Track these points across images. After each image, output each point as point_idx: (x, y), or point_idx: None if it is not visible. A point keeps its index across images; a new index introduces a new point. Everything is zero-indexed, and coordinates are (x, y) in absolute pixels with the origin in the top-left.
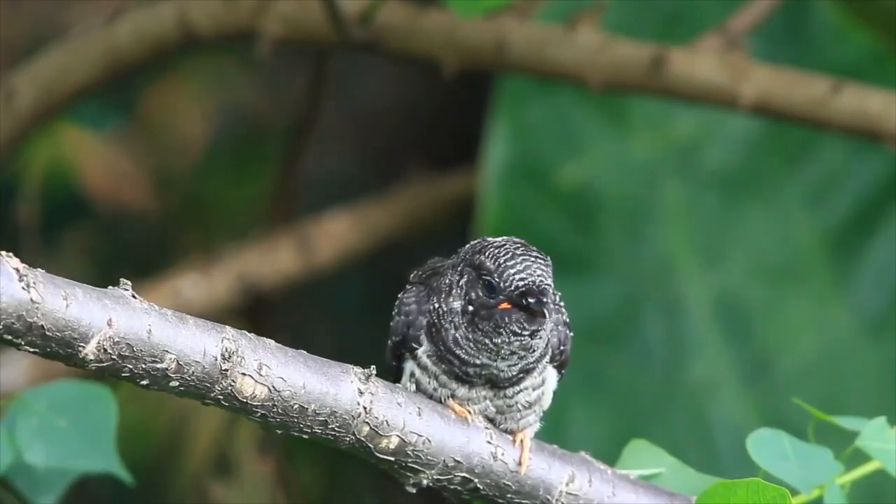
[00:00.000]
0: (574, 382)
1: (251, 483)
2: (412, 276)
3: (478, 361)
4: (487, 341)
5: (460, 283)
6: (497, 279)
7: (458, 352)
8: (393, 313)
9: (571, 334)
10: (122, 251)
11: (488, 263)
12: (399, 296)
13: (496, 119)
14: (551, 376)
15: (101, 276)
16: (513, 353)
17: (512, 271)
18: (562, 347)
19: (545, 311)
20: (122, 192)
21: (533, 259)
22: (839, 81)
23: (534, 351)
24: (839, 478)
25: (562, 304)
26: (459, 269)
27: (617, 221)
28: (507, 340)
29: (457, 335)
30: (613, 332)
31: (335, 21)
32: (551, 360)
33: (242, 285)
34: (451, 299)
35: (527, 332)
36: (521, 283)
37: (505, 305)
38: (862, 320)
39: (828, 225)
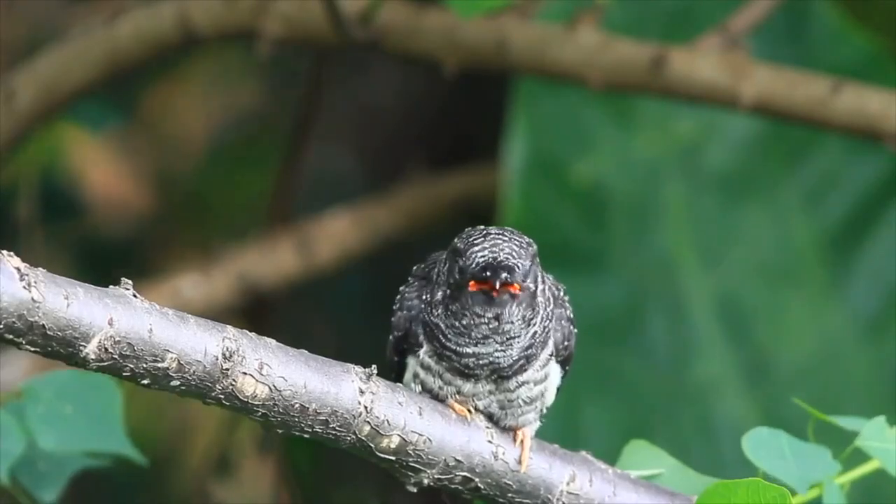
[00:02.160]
0: (586, 379)
1: (251, 483)
2: (415, 269)
3: (469, 350)
4: (457, 323)
5: (443, 271)
6: (463, 259)
7: (447, 343)
8: (394, 308)
9: (576, 331)
10: (121, 251)
11: (460, 245)
12: (401, 289)
13: (515, 118)
14: (555, 372)
15: (101, 276)
16: (486, 336)
17: (477, 248)
18: (566, 343)
19: (497, 284)
20: (122, 192)
21: (505, 239)
22: (839, 81)
23: (513, 337)
24: (838, 477)
25: (566, 298)
26: (444, 259)
27: (624, 220)
28: (473, 322)
29: (440, 324)
30: (623, 329)
31: (336, 21)
32: (556, 356)
33: (242, 285)
34: (435, 290)
35: (490, 314)
36: (481, 260)
37: (471, 285)
38: (859, 321)
39: (825, 225)
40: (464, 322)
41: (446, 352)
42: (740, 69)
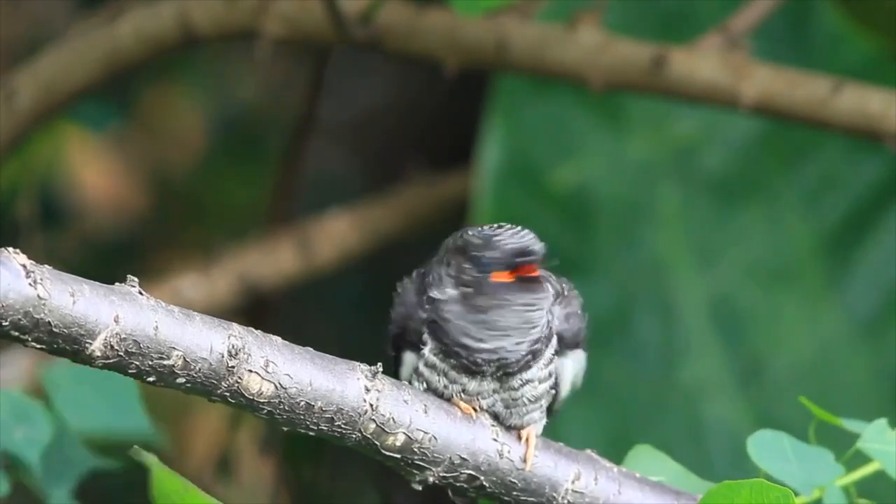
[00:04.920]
0: None
1: (251, 483)
2: (415, 272)
3: (486, 346)
4: (484, 316)
5: (449, 272)
6: (486, 250)
7: (464, 341)
8: (395, 302)
9: (587, 315)
10: (121, 251)
11: (474, 240)
12: (400, 283)
13: (492, 119)
14: (571, 361)
15: (101, 276)
16: (513, 328)
17: (500, 238)
18: (580, 329)
19: (533, 268)
20: (122, 193)
21: (523, 229)
22: (840, 81)
23: (534, 326)
24: (840, 480)
25: (575, 293)
26: (445, 259)
27: (612, 223)
28: (505, 312)
29: (458, 323)
30: (608, 334)
31: (336, 21)
32: (571, 345)
33: (243, 286)
34: (443, 288)
35: (526, 300)
36: (512, 246)
37: (498, 275)
38: (857, 323)
39: (822, 227)
40: (492, 315)
41: (456, 347)
42: (741, 69)
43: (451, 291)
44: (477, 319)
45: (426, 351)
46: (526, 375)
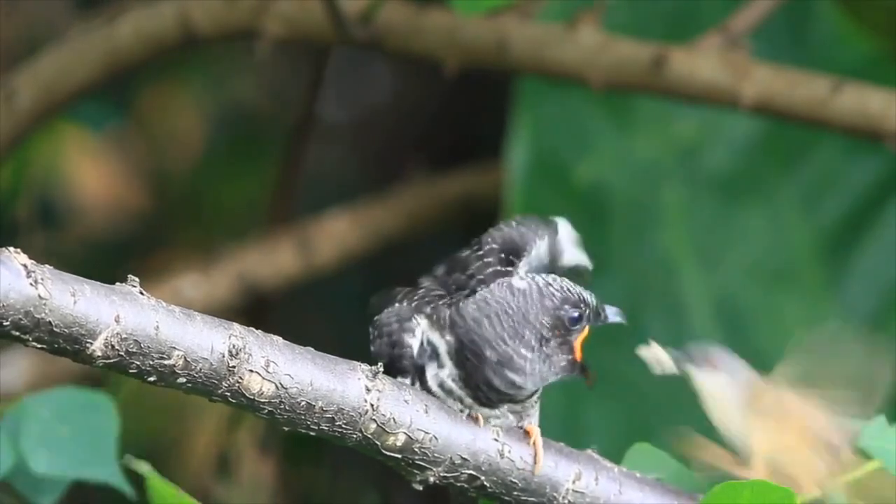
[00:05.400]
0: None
1: (251, 483)
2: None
3: (519, 392)
4: (547, 371)
5: (541, 322)
6: (576, 307)
7: (500, 386)
8: (372, 336)
9: None
10: (121, 251)
11: (570, 297)
12: (376, 318)
13: (518, 118)
14: None
15: (100, 276)
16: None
17: (582, 295)
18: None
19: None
20: (121, 193)
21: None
22: (839, 81)
23: None
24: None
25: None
26: (526, 337)
27: (624, 221)
28: (560, 374)
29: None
30: (623, 330)
31: (336, 21)
32: None
33: (242, 285)
34: (521, 332)
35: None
36: (592, 299)
37: (580, 339)
38: (857, 322)
39: (824, 226)
40: (552, 373)
41: (485, 387)
42: (741, 69)
43: (533, 341)
44: (541, 371)
45: (444, 375)
46: (534, 398)
